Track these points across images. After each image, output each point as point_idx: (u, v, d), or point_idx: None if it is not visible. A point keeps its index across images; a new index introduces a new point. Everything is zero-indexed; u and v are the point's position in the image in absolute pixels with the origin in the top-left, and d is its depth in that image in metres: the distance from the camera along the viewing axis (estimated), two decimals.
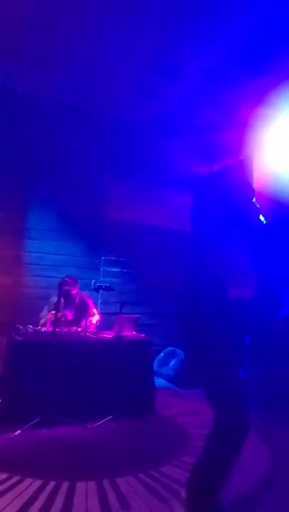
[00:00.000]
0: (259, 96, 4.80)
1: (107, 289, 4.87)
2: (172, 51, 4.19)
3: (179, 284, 6.13)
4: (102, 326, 4.97)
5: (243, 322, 2.03)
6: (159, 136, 5.83)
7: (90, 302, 4.64)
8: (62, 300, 4.35)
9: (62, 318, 4.32)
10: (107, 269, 5.69)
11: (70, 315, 4.43)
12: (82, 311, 4.50)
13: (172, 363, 5.28)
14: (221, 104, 5.05)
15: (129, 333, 4.15)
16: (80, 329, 4.19)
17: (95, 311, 4.63)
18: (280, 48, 4.08)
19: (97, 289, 5.29)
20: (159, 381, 5.17)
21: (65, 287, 4.31)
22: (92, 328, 4.41)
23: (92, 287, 5.36)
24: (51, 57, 4.38)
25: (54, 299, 4.28)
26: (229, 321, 1.96)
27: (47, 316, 4.26)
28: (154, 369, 5.31)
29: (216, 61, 4.31)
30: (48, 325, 4.11)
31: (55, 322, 3.76)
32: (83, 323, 4.42)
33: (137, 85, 4.84)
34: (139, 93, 4.99)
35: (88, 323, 4.47)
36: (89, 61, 4.42)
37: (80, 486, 2.54)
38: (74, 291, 4.42)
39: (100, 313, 5.26)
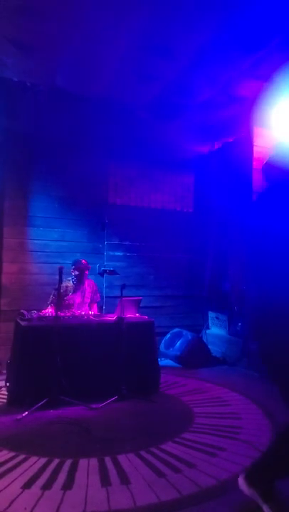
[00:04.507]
0: (259, 71, 4.64)
1: (112, 272, 4.91)
2: (166, 29, 4.06)
3: (183, 266, 6.15)
4: (108, 309, 5.04)
5: None
6: (157, 117, 5.72)
7: (97, 287, 4.73)
8: (72, 283, 4.44)
9: (71, 302, 4.40)
10: (110, 253, 5.71)
11: (78, 298, 4.49)
12: (90, 295, 4.57)
13: (178, 343, 5.32)
14: (219, 80, 4.91)
15: (132, 315, 4.19)
16: (83, 313, 4.25)
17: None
18: (279, 21, 3.91)
19: (101, 273, 5.34)
20: (165, 362, 5.24)
21: (80, 266, 4.45)
22: (95, 311, 4.48)
23: (97, 272, 5.41)
24: (45, 43, 4.31)
25: (65, 283, 4.38)
26: None
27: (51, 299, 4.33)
28: (161, 350, 5.39)
29: (211, 36, 4.16)
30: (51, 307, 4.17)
31: (58, 306, 3.82)
32: (87, 306, 4.49)
33: (133, 67, 4.72)
34: (135, 74, 4.88)
35: (92, 307, 4.55)
36: (83, 46, 4.33)
37: (83, 463, 2.62)
38: (87, 272, 4.53)
39: (106, 297, 5.33)
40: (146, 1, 3.66)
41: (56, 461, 2.64)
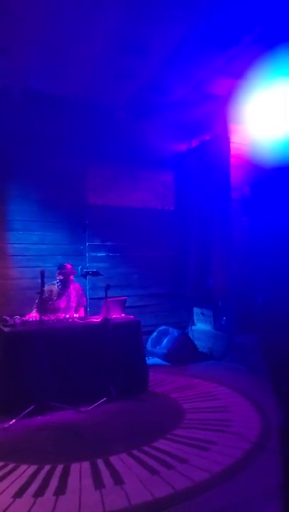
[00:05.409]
0: (232, 68, 4.69)
1: (95, 274, 4.85)
2: (137, 28, 4.05)
3: (166, 264, 6.16)
4: (93, 311, 4.99)
5: None
6: (134, 116, 5.72)
7: (82, 290, 4.68)
8: (57, 287, 4.37)
9: (56, 306, 4.34)
10: (92, 254, 5.66)
11: (63, 303, 4.43)
12: (76, 299, 4.51)
13: (165, 341, 5.32)
14: (193, 79, 4.94)
15: (118, 315, 4.16)
16: (67, 316, 4.19)
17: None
18: (250, 18, 3.97)
19: (84, 275, 5.30)
20: (153, 360, 5.23)
21: (65, 270, 4.36)
22: (81, 315, 4.42)
23: (80, 274, 5.35)
24: (18, 44, 4.23)
25: (50, 287, 4.31)
26: None
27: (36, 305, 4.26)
28: (148, 349, 5.38)
29: (183, 35, 4.18)
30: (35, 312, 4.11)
31: (41, 310, 3.77)
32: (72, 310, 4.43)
33: (107, 66, 4.70)
34: (109, 74, 4.86)
35: (79, 310, 4.50)
36: (55, 46, 4.27)
37: (74, 467, 2.59)
38: (72, 277, 4.46)
39: (90, 299, 5.28)
40: (117, 0, 3.64)
41: (47, 467, 2.59)
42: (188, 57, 4.54)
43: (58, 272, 4.39)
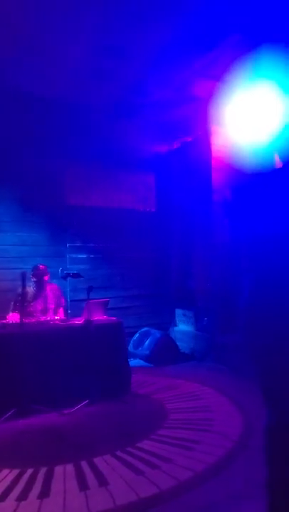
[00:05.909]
0: (212, 71, 4.76)
1: (76, 276, 4.80)
2: (118, 29, 4.06)
3: (148, 265, 6.17)
4: (74, 313, 4.95)
5: None
6: (115, 116, 5.71)
7: (60, 291, 4.62)
8: (32, 289, 4.31)
9: (32, 309, 4.27)
10: (73, 256, 5.62)
11: (40, 305, 4.37)
12: (53, 300, 4.46)
13: (147, 342, 5.33)
14: (174, 80, 4.98)
15: (100, 317, 4.14)
16: (48, 318, 4.14)
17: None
18: (231, 20, 4.04)
19: (65, 277, 5.21)
20: (135, 362, 5.23)
21: (38, 271, 4.32)
22: (61, 316, 4.37)
23: (60, 275, 5.28)
24: None
25: (26, 289, 4.23)
26: None
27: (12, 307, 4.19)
28: (130, 350, 5.37)
29: (163, 37, 4.21)
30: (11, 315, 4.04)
31: (21, 313, 3.70)
32: (51, 312, 4.38)
33: (86, 68, 4.68)
34: (89, 75, 4.84)
35: (58, 312, 4.45)
36: (35, 47, 4.23)
37: (58, 470, 2.55)
38: (46, 278, 4.39)
39: (70, 301, 5.23)
40: (98, 3, 3.64)
41: (30, 471, 2.55)
42: (169, 60, 4.57)
43: (31, 273, 4.35)
